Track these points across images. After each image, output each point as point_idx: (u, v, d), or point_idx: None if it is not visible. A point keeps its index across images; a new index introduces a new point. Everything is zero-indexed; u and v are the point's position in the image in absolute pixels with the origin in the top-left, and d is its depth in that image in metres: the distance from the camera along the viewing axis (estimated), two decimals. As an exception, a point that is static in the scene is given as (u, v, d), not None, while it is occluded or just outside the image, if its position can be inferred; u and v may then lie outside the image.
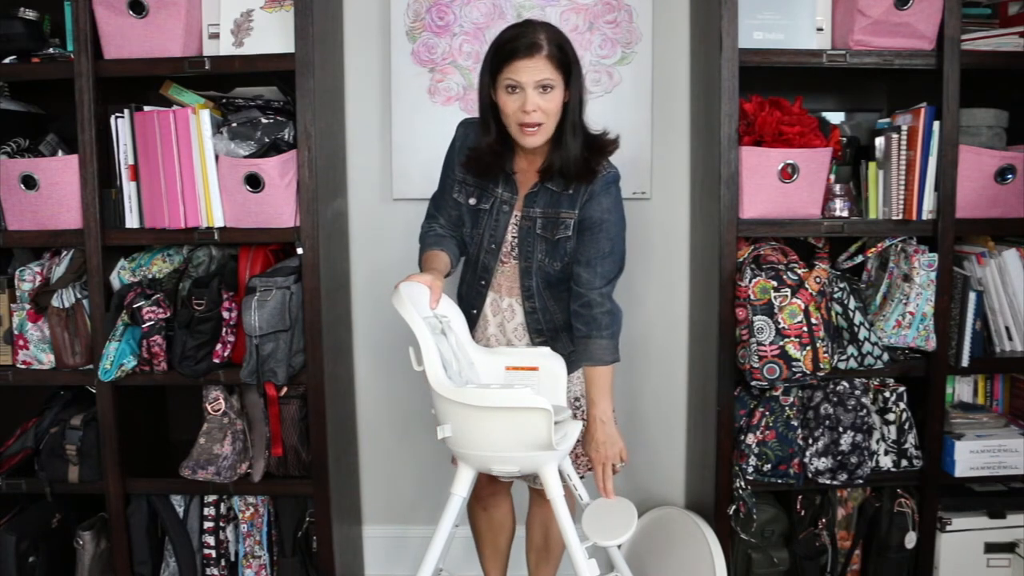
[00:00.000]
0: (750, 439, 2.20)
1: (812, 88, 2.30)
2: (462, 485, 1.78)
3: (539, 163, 1.87)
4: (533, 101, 1.74)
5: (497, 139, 1.84)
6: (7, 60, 2.13)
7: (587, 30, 2.41)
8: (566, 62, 1.77)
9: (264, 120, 2.16)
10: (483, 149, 1.86)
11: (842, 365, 2.19)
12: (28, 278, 2.19)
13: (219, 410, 2.21)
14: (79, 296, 2.22)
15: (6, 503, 2.24)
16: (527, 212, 1.89)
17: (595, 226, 1.86)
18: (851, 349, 2.19)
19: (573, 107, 1.81)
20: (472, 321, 1.98)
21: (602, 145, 1.86)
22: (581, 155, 1.83)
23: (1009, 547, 2.27)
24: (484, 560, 2.22)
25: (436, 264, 1.89)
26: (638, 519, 1.77)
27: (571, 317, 1.91)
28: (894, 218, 2.17)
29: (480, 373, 1.90)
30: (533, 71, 1.72)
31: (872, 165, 2.20)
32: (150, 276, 2.22)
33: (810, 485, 2.22)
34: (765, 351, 2.08)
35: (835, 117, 2.41)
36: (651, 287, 2.53)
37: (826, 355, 2.11)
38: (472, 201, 1.93)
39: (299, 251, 2.13)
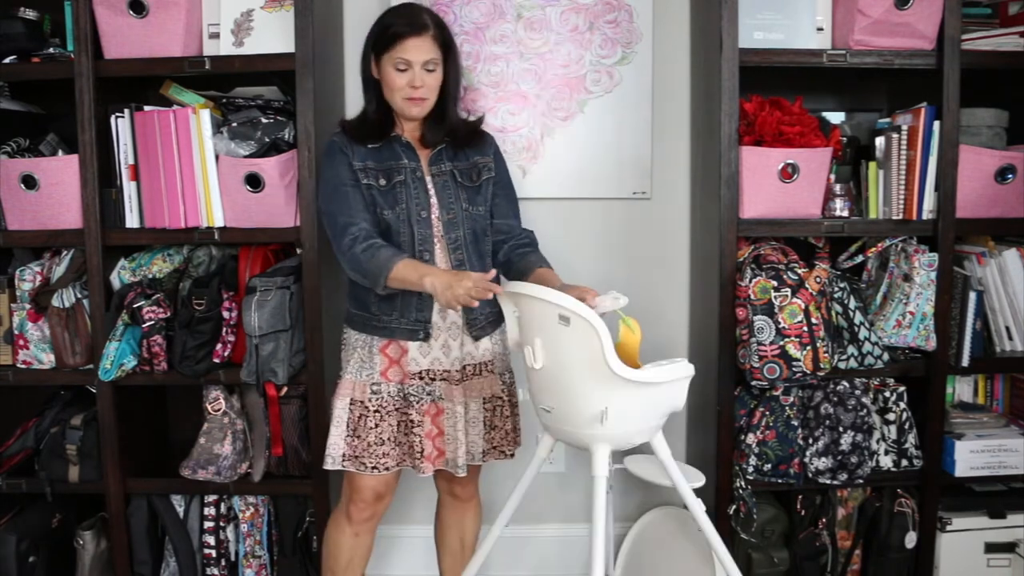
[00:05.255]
0: (750, 439, 2.20)
1: (812, 88, 2.30)
2: (601, 466, 1.76)
3: (419, 133, 1.98)
4: (421, 78, 1.87)
5: (377, 111, 1.96)
6: (7, 60, 2.13)
7: (587, 30, 2.41)
8: (446, 42, 1.92)
9: (264, 120, 2.16)
10: (367, 118, 1.96)
11: (842, 365, 2.19)
12: (28, 278, 2.19)
13: (219, 410, 2.21)
14: (79, 296, 2.22)
15: (6, 503, 2.24)
16: (437, 169, 1.96)
17: (507, 183, 2.06)
18: (851, 349, 2.19)
19: (452, 83, 1.96)
20: (426, 308, 1.91)
21: (472, 124, 2.04)
22: (460, 122, 2.01)
23: (1009, 547, 2.27)
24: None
25: (423, 266, 1.84)
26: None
27: (513, 251, 2.01)
28: (894, 218, 2.17)
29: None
30: (422, 51, 1.86)
31: (872, 165, 2.20)
32: (150, 276, 2.22)
33: (810, 485, 2.22)
34: (765, 351, 2.08)
35: (835, 117, 2.41)
36: (651, 287, 2.53)
37: (826, 355, 2.11)
38: (383, 182, 1.91)
39: (299, 251, 2.13)
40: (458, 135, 1.98)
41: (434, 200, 1.93)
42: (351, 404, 1.92)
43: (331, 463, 1.93)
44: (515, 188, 2.09)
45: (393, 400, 1.94)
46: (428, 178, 1.94)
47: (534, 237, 2.08)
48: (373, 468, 1.91)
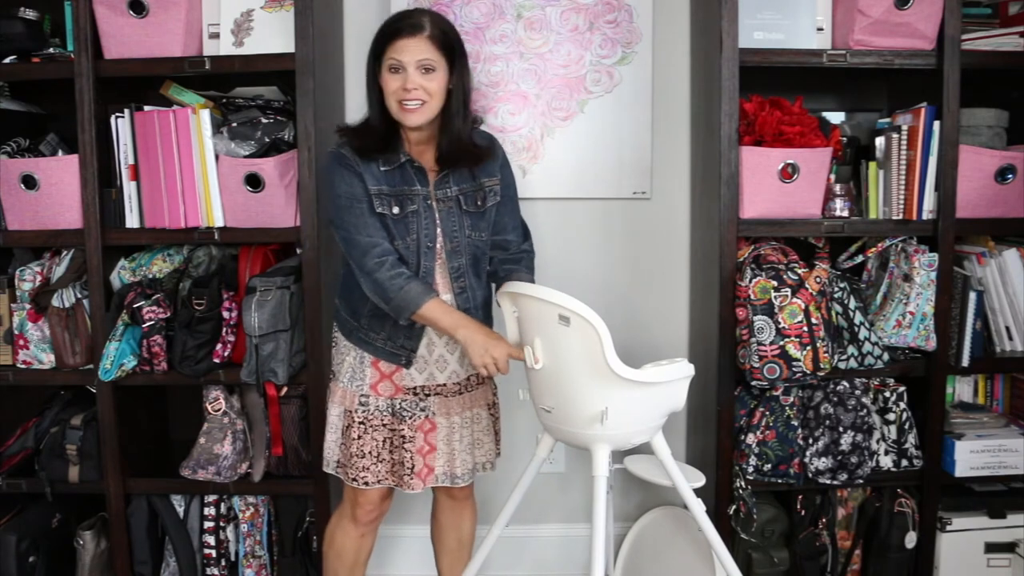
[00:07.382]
0: (750, 439, 2.20)
1: (812, 88, 2.30)
2: (602, 466, 1.76)
3: (430, 152, 1.88)
4: (414, 80, 1.77)
5: (380, 120, 1.85)
6: (7, 60, 2.13)
7: (587, 30, 2.41)
8: (449, 45, 1.81)
9: (264, 120, 2.16)
10: (369, 126, 1.86)
11: (842, 365, 2.19)
12: (28, 278, 2.19)
13: (219, 410, 2.22)
14: (79, 296, 2.22)
15: (6, 503, 2.24)
16: (442, 195, 1.87)
17: (511, 197, 1.97)
18: (851, 349, 2.19)
19: (457, 94, 1.84)
20: (415, 336, 1.88)
21: (482, 151, 1.91)
22: (469, 140, 1.88)
23: (1009, 547, 2.27)
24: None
25: (456, 313, 1.83)
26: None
27: (501, 266, 1.95)
28: (894, 218, 2.17)
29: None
30: (415, 51, 1.76)
31: (872, 165, 2.20)
32: (150, 276, 2.22)
33: (810, 485, 2.22)
34: (765, 351, 2.08)
35: (835, 117, 2.41)
36: (651, 287, 2.53)
37: (826, 355, 2.11)
38: (396, 210, 1.82)
39: (299, 251, 2.13)
40: (467, 156, 1.87)
41: (439, 229, 1.86)
42: (344, 412, 1.92)
43: (327, 466, 1.96)
44: (518, 203, 2.01)
45: (380, 415, 1.90)
46: (434, 204, 1.86)
47: (529, 254, 2.01)
48: (353, 480, 1.89)
